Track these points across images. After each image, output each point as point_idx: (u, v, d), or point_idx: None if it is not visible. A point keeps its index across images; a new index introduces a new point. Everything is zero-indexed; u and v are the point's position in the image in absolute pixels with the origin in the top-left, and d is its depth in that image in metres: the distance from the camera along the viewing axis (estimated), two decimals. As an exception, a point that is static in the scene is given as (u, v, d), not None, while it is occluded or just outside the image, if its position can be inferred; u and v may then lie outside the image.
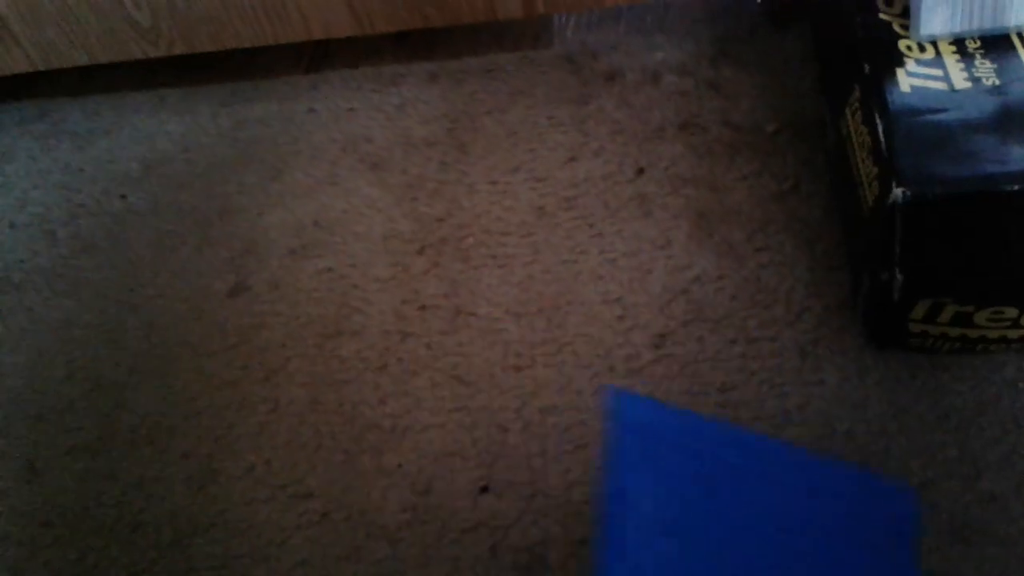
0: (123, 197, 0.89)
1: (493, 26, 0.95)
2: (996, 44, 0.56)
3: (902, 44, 0.56)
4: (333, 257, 0.78)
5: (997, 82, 0.53)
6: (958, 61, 0.55)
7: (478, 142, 0.83)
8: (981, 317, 0.54)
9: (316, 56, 0.99)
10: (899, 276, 0.52)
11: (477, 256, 0.74)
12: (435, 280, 0.73)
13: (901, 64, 0.55)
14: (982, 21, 0.56)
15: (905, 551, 0.46)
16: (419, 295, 0.73)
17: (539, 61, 0.90)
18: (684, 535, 0.44)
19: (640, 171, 0.76)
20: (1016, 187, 0.48)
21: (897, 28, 0.58)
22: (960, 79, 0.54)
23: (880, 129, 0.52)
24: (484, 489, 0.60)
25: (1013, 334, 0.55)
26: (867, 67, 0.55)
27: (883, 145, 0.51)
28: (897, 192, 0.49)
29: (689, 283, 0.68)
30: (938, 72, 0.54)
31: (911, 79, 0.54)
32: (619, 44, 0.89)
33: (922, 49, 0.56)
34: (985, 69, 0.54)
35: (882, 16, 0.58)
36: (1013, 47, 0.55)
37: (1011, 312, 0.53)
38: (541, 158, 0.81)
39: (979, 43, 0.56)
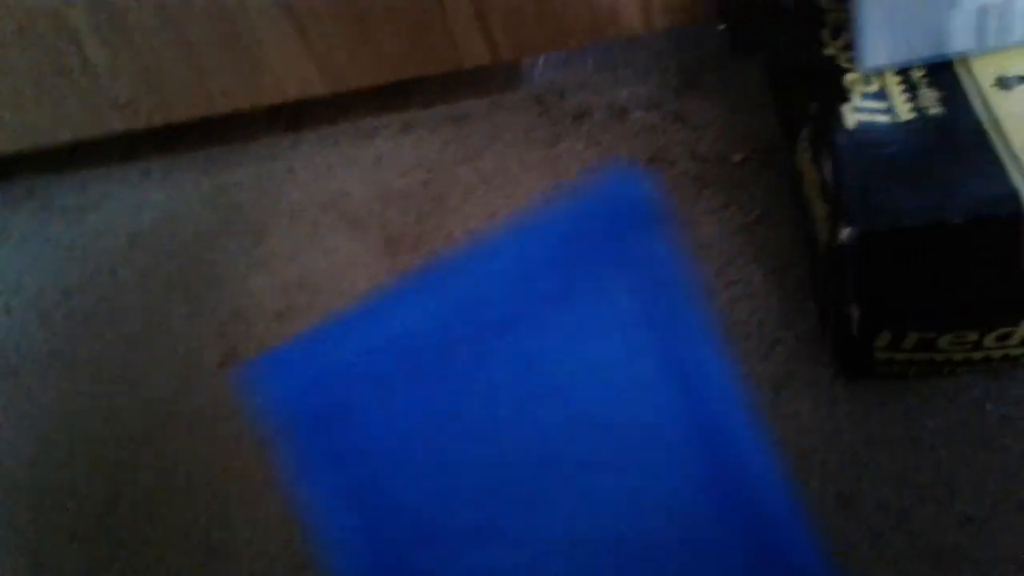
0: (113, 272, 0.90)
1: (463, 72, 0.96)
2: (940, 71, 0.56)
3: (848, 78, 0.57)
4: (318, 318, 0.79)
5: (940, 111, 0.54)
6: (903, 92, 0.56)
7: (454, 191, 0.85)
8: (944, 342, 0.54)
9: (294, 115, 1.01)
10: (856, 311, 0.52)
11: (458, 307, 0.75)
12: (418, 335, 0.74)
13: (847, 99, 0.56)
14: (924, 49, 0.57)
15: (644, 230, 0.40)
16: (403, 351, 0.74)
17: (509, 104, 0.91)
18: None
19: (612, 210, 0.77)
20: (960, 219, 0.48)
21: (843, 62, 0.58)
22: (905, 110, 0.55)
23: (828, 168, 0.53)
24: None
25: (977, 355, 0.55)
26: (814, 106, 0.56)
27: (831, 184, 0.52)
28: (846, 231, 0.50)
29: (664, 321, 0.69)
30: (883, 105, 0.55)
31: (857, 114, 0.55)
32: (586, 82, 0.90)
33: (868, 81, 0.57)
34: (929, 98, 0.55)
35: (828, 51, 0.59)
36: (955, 74, 0.56)
37: (972, 335, 0.54)
38: (516, 203, 0.82)
39: (923, 71, 0.57)
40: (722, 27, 0.87)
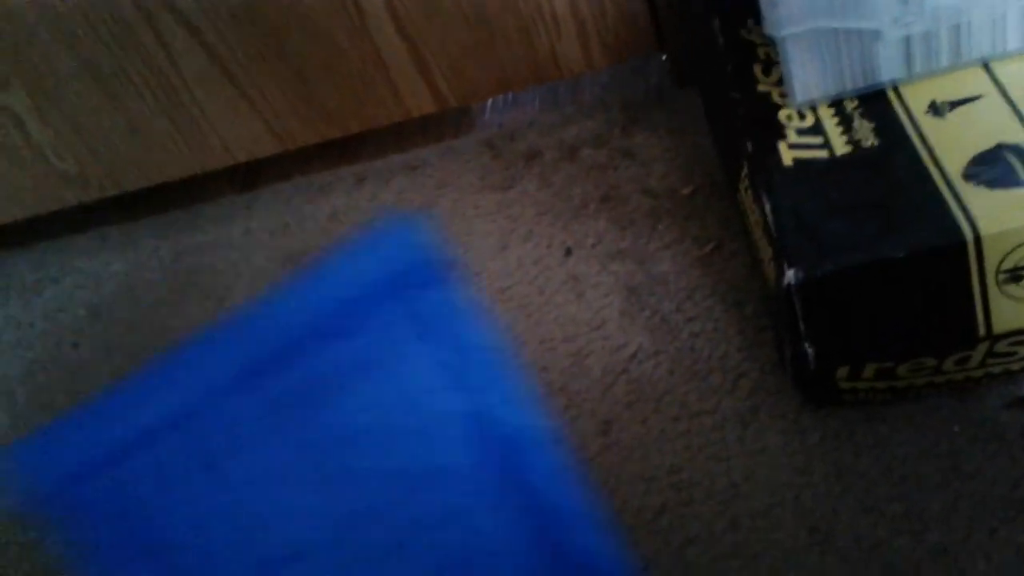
0: (75, 346, 0.90)
1: (414, 120, 0.96)
2: (873, 101, 0.57)
3: (782, 114, 0.57)
4: (283, 383, 0.78)
5: (876, 142, 0.54)
6: (838, 124, 0.56)
7: (411, 242, 0.84)
8: (903, 370, 0.54)
9: (248, 173, 1.00)
10: (809, 349, 0.52)
11: (422, 362, 0.75)
12: (384, 394, 0.74)
13: (782, 136, 0.56)
14: (855, 80, 0.57)
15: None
16: (370, 412, 0.73)
17: (461, 149, 0.91)
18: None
19: (568, 252, 0.78)
20: (902, 254, 0.48)
21: (776, 98, 0.59)
22: (840, 144, 0.55)
23: (767, 209, 0.53)
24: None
25: (939, 379, 0.55)
26: (750, 145, 0.57)
27: (771, 227, 0.52)
28: (789, 274, 0.50)
29: (627, 362, 0.69)
30: (818, 140, 0.55)
31: (793, 151, 0.55)
32: (535, 121, 0.90)
33: (802, 116, 0.57)
34: (864, 130, 0.55)
35: (760, 88, 0.60)
36: (888, 102, 0.56)
37: (931, 362, 0.54)
38: (473, 250, 0.82)
39: (856, 102, 0.57)
40: (664, 58, 0.88)
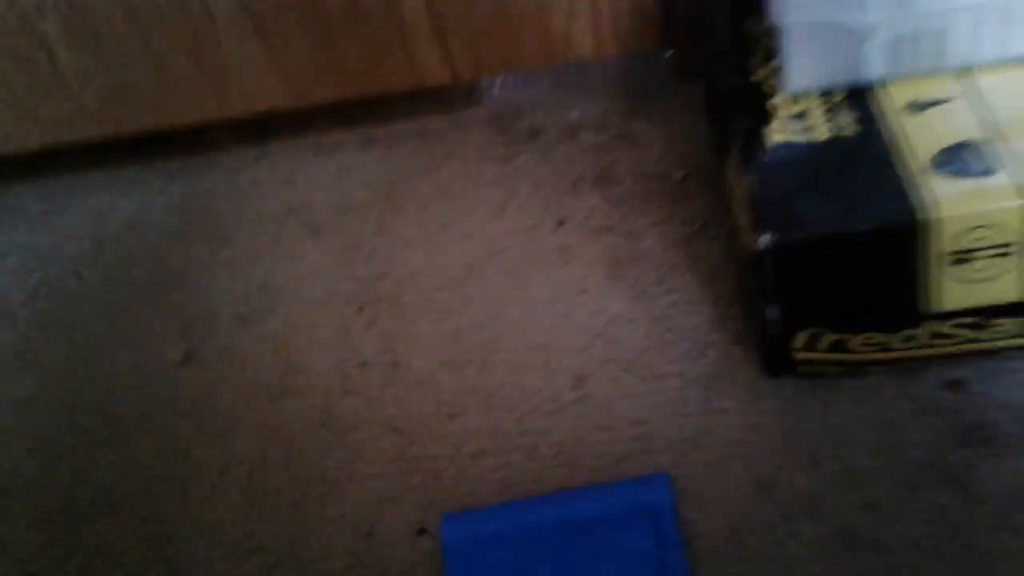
0: (78, 275, 0.93)
1: (425, 91, 1.00)
2: (859, 96, 0.62)
3: (774, 101, 0.62)
4: (278, 321, 0.82)
5: (855, 132, 0.59)
6: (824, 114, 0.61)
7: (411, 203, 0.89)
8: (855, 343, 0.59)
9: (259, 130, 1.04)
10: (775, 312, 0.57)
11: (412, 312, 0.79)
12: (374, 337, 0.78)
13: (772, 121, 0.61)
14: (843, 75, 0.62)
15: (665, 529, 0.59)
16: (359, 352, 0.77)
17: (467, 122, 0.96)
18: None
19: (560, 223, 0.82)
20: (868, 227, 0.53)
21: (770, 87, 0.64)
22: (824, 131, 0.60)
23: (750, 182, 0.58)
24: (421, 531, 0.65)
25: (885, 356, 0.60)
26: (742, 126, 0.61)
27: (753, 196, 0.57)
28: (764, 238, 0.54)
29: (605, 326, 0.73)
30: (804, 125, 0.60)
31: (779, 135, 0.60)
32: (541, 102, 0.95)
33: (792, 104, 0.62)
34: (846, 120, 0.60)
35: (757, 76, 0.65)
36: (874, 97, 0.61)
37: (879, 337, 0.58)
38: (470, 215, 0.86)
39: (844, 95, 0.62)
40: (668, 53, 0.92)
